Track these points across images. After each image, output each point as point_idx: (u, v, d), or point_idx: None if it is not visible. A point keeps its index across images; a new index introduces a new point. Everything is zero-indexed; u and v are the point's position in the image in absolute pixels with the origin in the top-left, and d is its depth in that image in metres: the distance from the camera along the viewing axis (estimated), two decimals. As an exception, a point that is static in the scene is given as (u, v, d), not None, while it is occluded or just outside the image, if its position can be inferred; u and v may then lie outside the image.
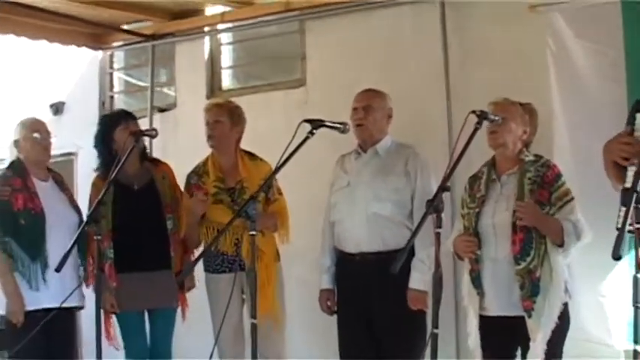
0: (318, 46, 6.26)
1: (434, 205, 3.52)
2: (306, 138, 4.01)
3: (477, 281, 4.13)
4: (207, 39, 6.81)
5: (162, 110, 6.89)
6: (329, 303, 4.78)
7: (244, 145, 5.06)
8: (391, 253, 4.43)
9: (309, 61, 6.32)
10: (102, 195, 4.31)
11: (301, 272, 5.47)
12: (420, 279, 4.49)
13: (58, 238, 4.70)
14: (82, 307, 5.00)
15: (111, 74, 7.50)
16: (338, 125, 4.20)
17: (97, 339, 4.22)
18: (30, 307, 4.66)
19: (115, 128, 5.00)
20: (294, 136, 3.97)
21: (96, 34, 6.91)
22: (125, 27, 6.85)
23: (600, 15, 5.01)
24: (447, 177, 3.66)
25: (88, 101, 7.38)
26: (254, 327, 3.85)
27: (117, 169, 4.38)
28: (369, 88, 4.81)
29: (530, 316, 3.97)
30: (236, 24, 6.61)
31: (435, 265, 3.57)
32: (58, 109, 7.60)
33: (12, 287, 4.65)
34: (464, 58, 5.60)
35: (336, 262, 4.78)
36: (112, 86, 7.51)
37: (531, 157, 4.18)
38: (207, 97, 6.67)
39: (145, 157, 5.17)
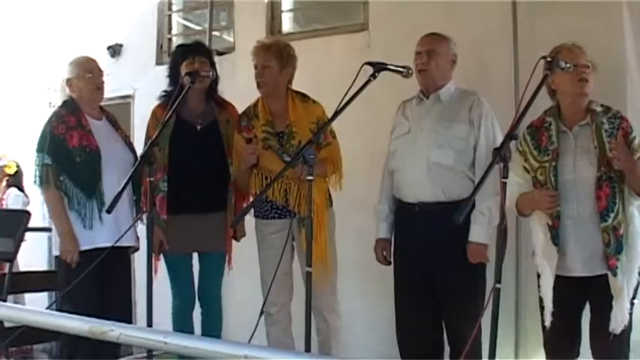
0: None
1: (501, 154, 3.36)
2: (368, 81, 3.94)
3: (556, 239, 3.93)
4: (268, -17, 6.63)
5: (220, 54, 6.75)
6: (384, 253, 4.65)
7: (305, 89, 4.91)
8: (452, 203, 4.28)
9: (371, 5, 6.10)
10: (155, 136, 4.23)
11: (360, 221, 5.34)
12: (480, 231, 4.33)
13: (113, 177, 4.64)
14: (136, 249, 4.94)
15: (169, 17, 7.36)
16: (400, 69, 4.08)
17: (148, 277, 4.16)
18: (84, 247, 4.61)
19: (182, 61, 4.89)
20: (355, 79, 3.88)
21: (155, -25, 6.79)
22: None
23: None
24: (515, 125, 3.50)
25: (145, 44, 7.29)
26: (309, 275, 3.78)
27: (172, 109, 4.30)
28: (433, 32, 4.61)
29: (615, 275, 3.80)
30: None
31: (500, 216, 3.43)
32: (115, 51, 7.50)
33: (67, 227, 4.60)
34: (533, 3, 5.34)
35: (395, 211, 4.64)
36: (170, 29, 7.38)
37: (600, 108, 3.98)
38: (268, 42, 6.53)
39: (211, 96, 5.01)
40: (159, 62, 7.20)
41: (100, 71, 4.90)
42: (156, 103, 5.01)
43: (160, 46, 7.24)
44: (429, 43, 4.54)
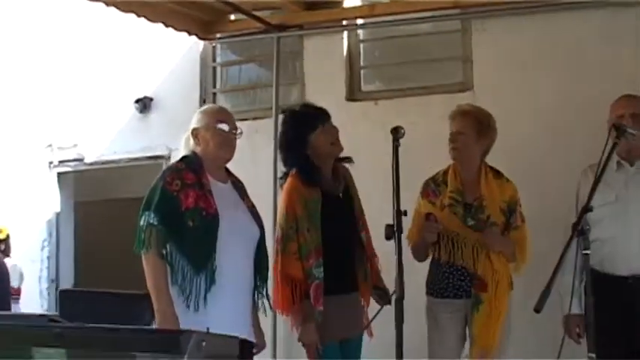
0: (487, 47, 5.72)
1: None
2: (615, 145, 3.65)
3: None
4: (345, 34, 6.13)
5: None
6: (578, 330, 4.27)
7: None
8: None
9: (475, 64, 5.77)
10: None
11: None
12: None
13: (234, 249, 3.85)
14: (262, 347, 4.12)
15: (214, 69, 6.66)
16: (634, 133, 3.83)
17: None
18: None
19: (312, 130, 4.30)
20: (606, 144, 3.61)
21: (209, 22, 6.13)
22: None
23: None
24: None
25: (183, 98, 6.54)
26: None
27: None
28: (630, 94, 4.32)
29: None
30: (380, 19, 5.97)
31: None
32: (145, 105, 6.67)
33: (165, 305, 3.71)
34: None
35: (595, 285, 4.31)
36: (214, 82, 6.66)
37: None
38: (347, 99, 6.06)
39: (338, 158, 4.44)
40: (202, 119, 6.52)
41: (235, 126, 4.08)
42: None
43: (202, 101, 6.48)
44: (635, 106, 4.24)
